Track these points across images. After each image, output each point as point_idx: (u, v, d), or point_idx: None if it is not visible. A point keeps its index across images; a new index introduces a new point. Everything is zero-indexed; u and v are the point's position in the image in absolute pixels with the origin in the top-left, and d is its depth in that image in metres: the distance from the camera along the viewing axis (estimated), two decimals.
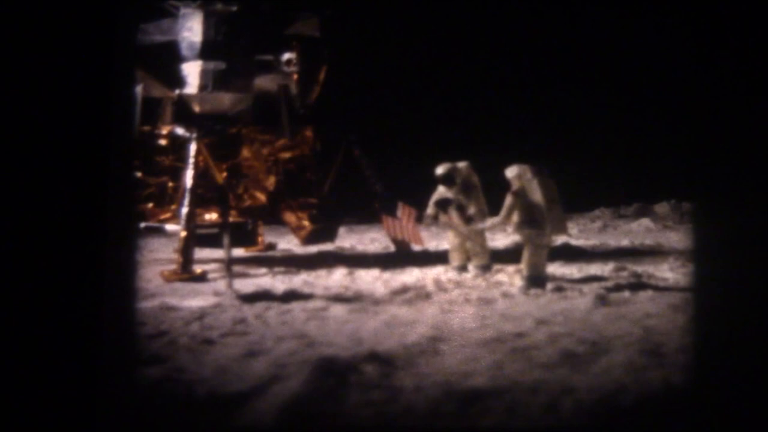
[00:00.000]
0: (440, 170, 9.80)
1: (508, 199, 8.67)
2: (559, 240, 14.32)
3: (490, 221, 9.31)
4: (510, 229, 8.96)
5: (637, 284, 8.50)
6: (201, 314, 7.06)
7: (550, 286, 8.50)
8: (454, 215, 9.62)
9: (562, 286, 8.48)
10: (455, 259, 9.81)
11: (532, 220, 8.55)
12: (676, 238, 14.04)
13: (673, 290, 8.09)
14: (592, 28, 19.99)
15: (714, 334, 3.60)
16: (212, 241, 10.31)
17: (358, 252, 13.21)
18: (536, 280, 8.48)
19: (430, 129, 20.30)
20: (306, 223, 11.25)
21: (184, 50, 11.06)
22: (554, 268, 9.96)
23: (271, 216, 11.76)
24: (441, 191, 9.80)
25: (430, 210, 9.91)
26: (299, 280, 9.41)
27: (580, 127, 21.34)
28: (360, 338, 6.01)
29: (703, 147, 3.56)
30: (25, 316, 3.45)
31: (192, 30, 11.04)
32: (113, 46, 3.59)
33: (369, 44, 18.19)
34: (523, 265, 8.66)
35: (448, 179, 9.73)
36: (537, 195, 8.54)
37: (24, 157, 3.45)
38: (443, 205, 9.71)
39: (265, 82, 11.57)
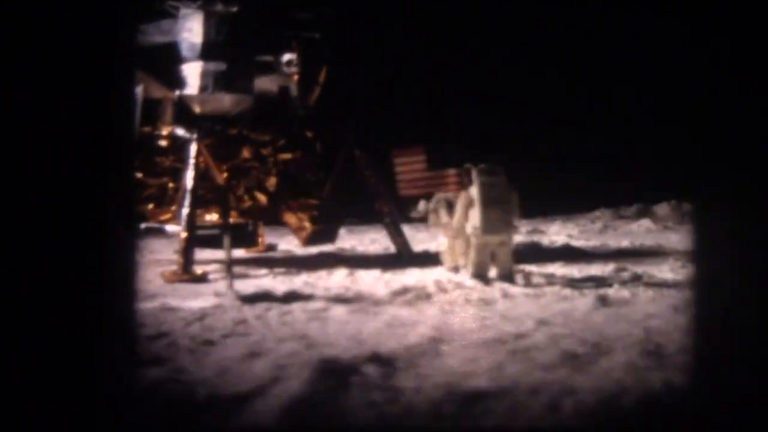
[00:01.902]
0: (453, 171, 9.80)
1: (459, 200, 9.16)
2: (560, 241, 14.35)
3: (445, 220, 9.42)
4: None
5: (638, 285, 8.50)
6: (202, 315, 7.06)
7: (550, 286, 8.52)
8: (444, 215, 9.68)
9: (562, 286, 8.49)
10: (447, 261, 9.83)
11: (471, 219, 9.01)
12: (677, 238, 14.06)
13: (674, 291, 8.08)
14: (594, 30, 20.00)
15: (715, 334, 3.60)
16: (213, 242, 10.32)
17: (358, 253, 13.21)
18: (479, 277, 8.88)
19: (432, 129, 20.30)
20: (306, 224, 11.27)
21: (185, 51, 11.07)
22: (554, 269, 9.97)
23: (272, 217, 11.77)
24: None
25: (432, 204, 9.85)
26: (300, 281, 9.42)
27: (580, 129, 21.36)
28: (361, 339, 6.01)
29: (703, 147, 3.56)
30: (24, 316, 3.45)
31: (192, 31, 11.05)
32: (113, 47, 3.59)
33: (369, 45, 18.20)
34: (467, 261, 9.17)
35: (461, 179, 9.74)
36: (475, 195, 8.96)
37: (23, 157, 3.45)
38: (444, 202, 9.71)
39: (265, 83, 11.58)
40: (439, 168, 10.19)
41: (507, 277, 8.91)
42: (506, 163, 9.20)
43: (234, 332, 6.39)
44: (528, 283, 8.83)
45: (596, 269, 9.81)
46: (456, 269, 9.69)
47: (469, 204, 9.02)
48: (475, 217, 8.92)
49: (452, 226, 9.42)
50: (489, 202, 8.86)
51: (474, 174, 9.03)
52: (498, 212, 8.87)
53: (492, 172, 9.00)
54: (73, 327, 3.48)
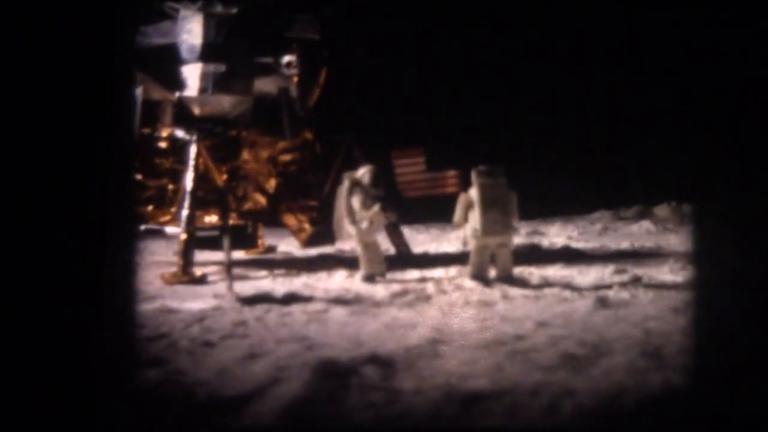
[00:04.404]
0: (363, 172, 9.73)
1: (458, 201, 9.18)
2: (559, 243, 14.34)
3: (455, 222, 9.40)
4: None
5: (638, 286, 8.48)
6: (201, 317, 7.06)
7: (550, 288, 8.51)
8: (379, 217, 9.57)
9: (562, 288, 8.49)
10: (366, 267, 9.54)
11: (470, 221, 9.00)
12: (676, 240, 14.04)
13: (674, 292, 8.07)
14: (593, 30, 20.00)
15: (714, 336, 3.60)
16: (212, 244, 10.32)
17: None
18: (478, 278, 8.89)
19: (431, 130, 20.32)
20: (306, 225, 11.25)
21: (184, 53, 11.06)
22: (554, 271, 9.97)
23: (272, 218, 11.75)
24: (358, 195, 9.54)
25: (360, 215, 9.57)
26: (299, 283, 9.41)
27: (580, 130, 21.36)
28: (360, 340, 6.01)
29: (703, 149, 3.56)
30: (25, 317, 3.45)
31: (192, 32, 11.05)
32: (113, 49, 3.59)
33: (369, 46, 18.20)
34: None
35: (376, 181, 9.71)
36: (474, 196, 8.96)
37: (24, 159, 3.46)
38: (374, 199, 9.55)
39: (265, 84, 11.57)
40: (439, 169, 10.18)
41: (507, 278, 8.91)
42: (506, 164, 9.20)
43: (233, 334, 6.39)
44: (527, 285, 8.82)
45: (596, 271, 9.80)
46: (372, 278, 9.41)
47: (469, 205, 9.02)
48: (474, 218, 8.93)
49: (454, 225, 9.35)
50: (488, 204, 8.87)
51: (473, 175, 9.03)
52: (497, 213, 8.89)
53: (491, 173, 9.01)
54: (73, 328, 3.47)
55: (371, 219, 9.49)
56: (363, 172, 9.68)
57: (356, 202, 9.47)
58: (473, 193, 8.98)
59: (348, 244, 13.98)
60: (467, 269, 9.16)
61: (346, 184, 9.55)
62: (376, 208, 9.51)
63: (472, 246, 9.03)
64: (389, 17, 19.11)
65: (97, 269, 3.53)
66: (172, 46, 11.10)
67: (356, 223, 9.45)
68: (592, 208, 20.86)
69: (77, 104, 3.51)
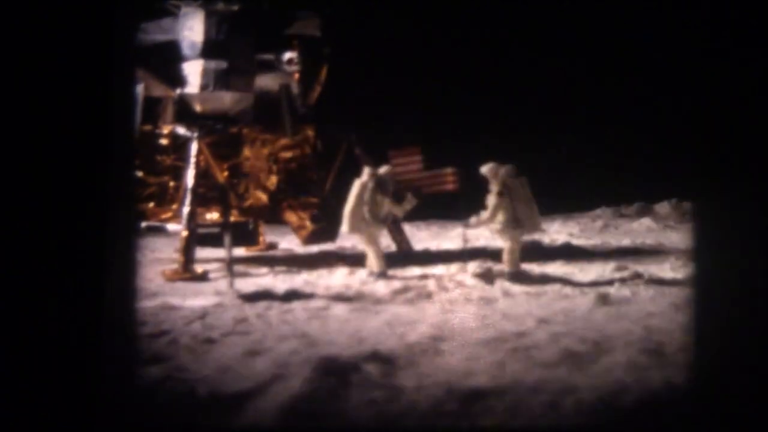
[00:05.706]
0: (386, 170, 9.74)
1: (494, 199, 8.96)
2: (561, 240, 14.34)
3: (475, 220, 9.25)
4: (493, 228, 9.08)
5: (639, 284, 8.48)
6: (202, 314, 7.07)
7: (551, 285, 8.51)
8: (408, 206, 9.66)
9: (563, 285, 8.49)
10: (374, 265, 9.53)
11: (515, 219, 8.93)
12: (677, 237, 14.03)
13: (675, 289, 8.07)
14: (595, 28, 19.99)
15: (715, 333, 3.60)
16: (213, 241, 10.32)
17: (359, 251, 13.18)
18: (517, 275, 8.88)
19: (431, 128, 20.32)
20: (307, 222, 11.25)
21: (185, 49, 11.06)
22: (555, 268, 9.97)
23: (273, 215, 11.76)
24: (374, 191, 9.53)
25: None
26: (300, 280, 9.41)
27: (581, 127, 21.34)
28: (361, 337, 6.02)
29: (704, 146, 3.56)
30: (26, 315, 3.45)
31: (193, 29, 11.05)
32: (113, 46, 3.59)
33: (370, 43, 18.20)
34: (505, 263, 9.02)
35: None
36: (520, 194, 8.95)
37: (25, 156, 3.46)
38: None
39: (266, 81, 11.56)
40: (436, 167, 10.16)
41: (513, 275, 8.87)
42: (507, 162, 9.18)
43: (234, 331, 6.40)
44: (529, 282, 8.82)
45: (597, 268, 9.80)
46: (385, 275, 9.37)
47: (509, 203, 8.96)
48: (508, 214, 8.85)
49: (481, 223, 9.23)
50: (524, 200, 8.93)
51: (503, 173, 8.94)
52: (534, 210, 8.96)
53: (517, 174, 9.04)
54: (75, 325, 3.48)
55: (402, 209, 9.60)
56: (386, 171, 9.66)
57: (384, 199, 9.46)
58: (515, 190, 8.93)
59: (349, 241, 14.01)
60: (469, 266, 9.16)
61: (372, 179, 9.47)
62: (409, 196, 9.62)
63: (512, 239, 9.00)
64: (390, 14, 19.10)
65: (98, 266, 3.53)
66: (173, 43, 11.10)
67: (378, 220, 9.45)
68: (593, 205, 20.83)
69: (78, 101, 3.51)
